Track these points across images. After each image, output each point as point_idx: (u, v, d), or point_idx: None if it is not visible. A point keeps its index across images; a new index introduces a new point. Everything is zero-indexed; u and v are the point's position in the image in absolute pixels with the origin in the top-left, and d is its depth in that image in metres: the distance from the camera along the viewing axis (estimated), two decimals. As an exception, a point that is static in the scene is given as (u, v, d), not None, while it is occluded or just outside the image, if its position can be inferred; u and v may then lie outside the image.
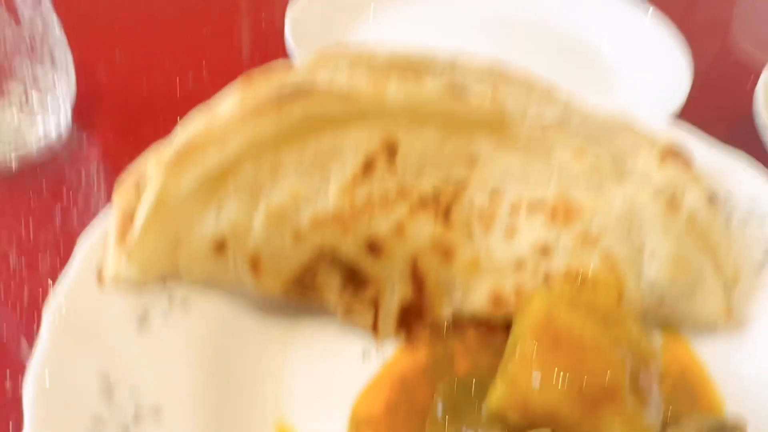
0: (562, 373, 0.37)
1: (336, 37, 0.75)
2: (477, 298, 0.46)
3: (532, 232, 0.46)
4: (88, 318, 0.41)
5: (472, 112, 0.48)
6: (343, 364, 0.45)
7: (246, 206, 0.43)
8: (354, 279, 0.45)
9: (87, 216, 0.54)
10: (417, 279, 0.46)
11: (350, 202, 0.44)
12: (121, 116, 0.63)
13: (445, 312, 0.46)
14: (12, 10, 0.50)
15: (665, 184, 0.48)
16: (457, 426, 0.39)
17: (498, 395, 0.38)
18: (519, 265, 0.45)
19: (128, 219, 0.43)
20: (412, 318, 0.46)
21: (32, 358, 0.38)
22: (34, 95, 0.53)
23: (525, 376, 0.37)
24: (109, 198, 0.45)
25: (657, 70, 0.72)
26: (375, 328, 0.46)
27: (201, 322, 0.43)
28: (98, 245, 0.44)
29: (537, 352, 0.38)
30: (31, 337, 0.46)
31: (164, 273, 0.43)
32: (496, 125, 0.48)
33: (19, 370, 0.41)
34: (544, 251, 0.45)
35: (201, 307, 0.44)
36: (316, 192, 0.44)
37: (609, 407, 0.37)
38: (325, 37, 0.73)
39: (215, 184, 0.43)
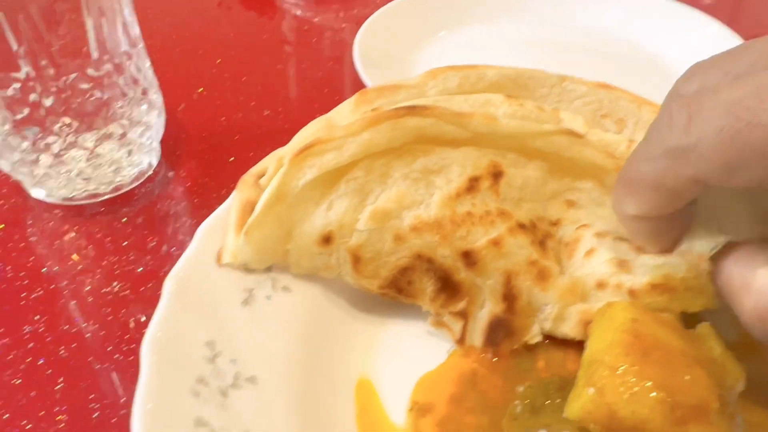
0: (652, 386, 0.37)
1: (404, 62, 0.79)
2: (569, 323, 0.46)
3: (609, 251, 0.46)
4: (202, 292, 0.44)
5: (583, 159, 0.49)
6: (427, 356, 0.46)
7: (354, 206, 0.47)
8: (447, 288, 0.47)
9: (176, 241, 0.59)
10: (509, 296, 0.47)
11: (451, 212, 0.47)
12: (206, 150, 0.69)
13: (534, 333, 0.47)
14: (117, 64, 0.56)
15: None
16: (536, 427, 0.40)
17: (582, 404, 0.38)
18: (600, 283, 0.46)
19: (248, 209, 0.47)
20: (500, 336, 0.47)
21: (151, 322, 0.42)
22: (130, 133, 0.59)
23: (613, 386, 0.38)
24: (195, 224, 0.49)
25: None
26: (461, 340, 0.48)
27: (299, 305, 0.46)
28: (215, 231, 0.48)
29: (626, 364, 0.38)
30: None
31: (275, 259, 0.47)
32: (602, 173, 0.49)
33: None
34: (622, 265, 0.45)
35: (301, 291, 0.47)
36: (420, 200, 0.47)
37: (698, 425, 0.36)
38: (393, 64, 0.77)
39: (329, 184, 0.47)
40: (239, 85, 0.79)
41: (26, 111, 0.54)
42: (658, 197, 0.38)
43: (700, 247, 0.42)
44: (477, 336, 0.47)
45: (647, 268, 0.44)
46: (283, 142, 0.51)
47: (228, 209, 0.49)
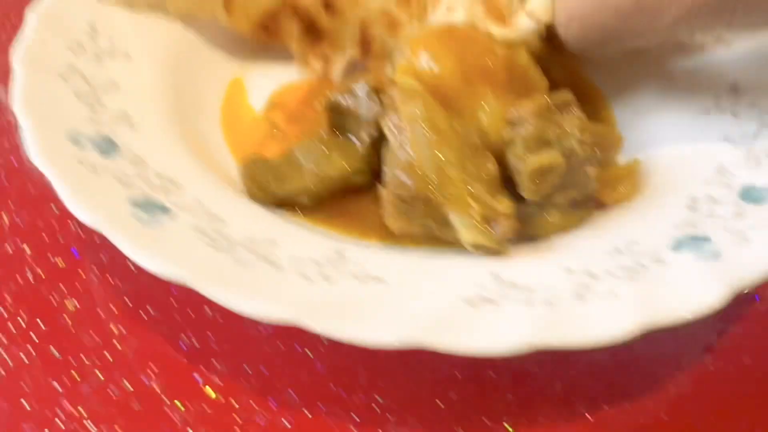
0: (442, 56, 0.43)
1: None
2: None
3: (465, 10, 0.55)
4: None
5: None
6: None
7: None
8: (312, 32, 0.54)
9: None
10: (365, 42, 0.54)
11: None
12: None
13: (386, 74, 0.54)
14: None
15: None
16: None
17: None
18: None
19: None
20: (357, 74, 0.53)
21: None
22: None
23: (414, 55, 0.43)
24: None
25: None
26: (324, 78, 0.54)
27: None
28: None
29: (423, 43, 0.44)
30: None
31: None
32: None
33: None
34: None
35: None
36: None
37: (487, 86, 0.42)
38: None
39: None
40: None
41: None
42: None
43: None
44: (337, 74, 0.54)
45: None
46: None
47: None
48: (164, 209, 0.35)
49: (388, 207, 0.39)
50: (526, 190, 0.39)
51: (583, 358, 0.39)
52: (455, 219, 0.38)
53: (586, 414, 0.37)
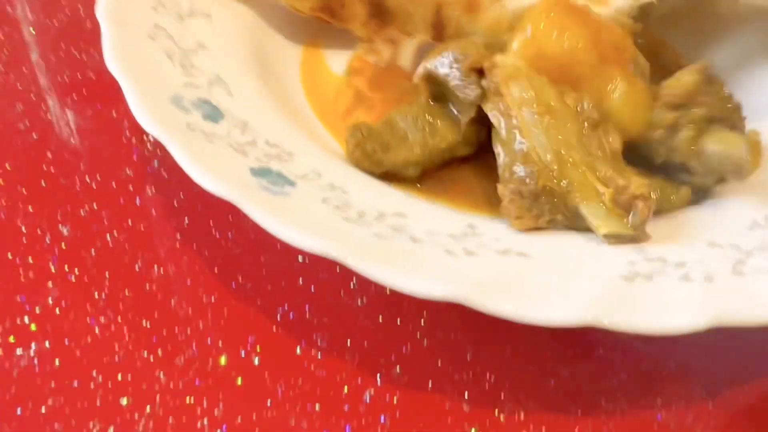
0: (578, 31, 0.40)
1: None
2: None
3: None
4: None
5: None
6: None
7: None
8: (379, 14, 0.51)
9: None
10: (438, 25, 0.51)
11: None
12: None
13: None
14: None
15: None
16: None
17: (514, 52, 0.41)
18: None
19: None
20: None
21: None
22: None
23: (541, 30, 0.40)
24: None
25: None
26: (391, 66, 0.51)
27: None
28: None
29: (552, 18, 0.41)
30: None
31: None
32: None
33: None
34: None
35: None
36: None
37: (618, 67, 0.40)
38: None
39: None
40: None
41: None
42: None
43: None
44: (406, 60, 0.51)
45: None
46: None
47: None
48: (288, 180, 0.33)
49: (510, 207, 0.37)
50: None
51: (695, 338, 0.37)
52: (584, 209, 0.36)
53: (704, 395, 0.36)
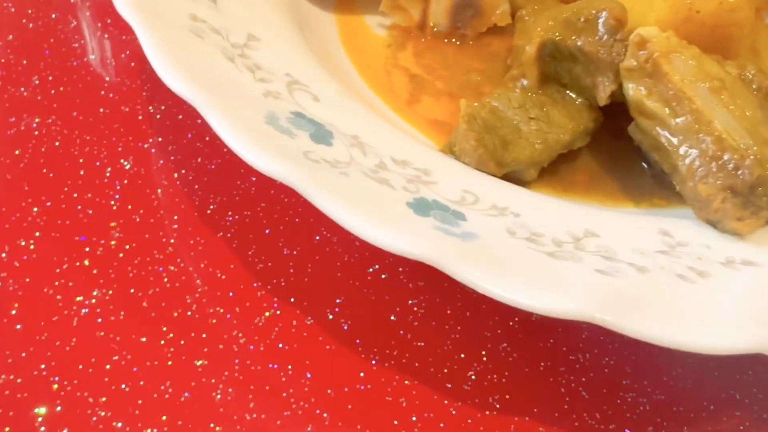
0: None
1: None
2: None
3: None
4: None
5: None
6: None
7: None
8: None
9: None
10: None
11: None
12: None
13: (502, 10, 0.44)
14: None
15: None
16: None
17: (657, 15, 0.36)
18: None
19: None
20: (467, 16, 0.44)
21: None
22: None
23: None
24: None
25: None
26: (422, 24, 0.45)
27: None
28: None
29: None
30: None
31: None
32: None
33: None
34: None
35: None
36: None
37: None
38: None
39: None
40: None
41: None
42: None
43: None
44: (441, 17, 0.44)
45: None
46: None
47: None
48: (457, 214, 0.29)
49: (725, 207, 0.31)
50: None
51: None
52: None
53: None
